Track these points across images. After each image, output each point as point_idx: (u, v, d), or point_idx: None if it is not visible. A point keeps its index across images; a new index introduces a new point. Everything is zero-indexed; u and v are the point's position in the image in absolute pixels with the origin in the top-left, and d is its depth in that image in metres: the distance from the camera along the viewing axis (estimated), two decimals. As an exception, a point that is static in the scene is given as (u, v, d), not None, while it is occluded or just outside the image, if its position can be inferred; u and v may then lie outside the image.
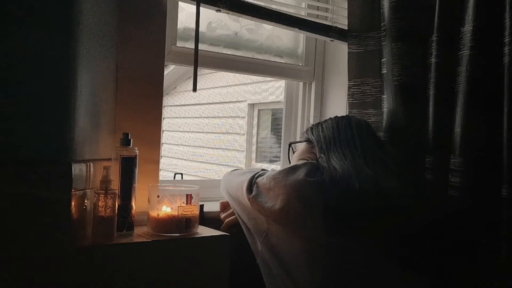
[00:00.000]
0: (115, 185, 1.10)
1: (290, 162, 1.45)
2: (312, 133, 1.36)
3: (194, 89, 1.37)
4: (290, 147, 1.50)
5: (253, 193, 1.21)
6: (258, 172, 1.27)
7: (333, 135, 1.30)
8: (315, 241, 1.15)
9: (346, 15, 1.64)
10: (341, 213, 1.13)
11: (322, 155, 1.27)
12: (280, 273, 1.21)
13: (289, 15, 1.63)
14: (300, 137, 1.47)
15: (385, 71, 1.52)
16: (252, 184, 1.23)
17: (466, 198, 1.27)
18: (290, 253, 1.18)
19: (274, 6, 1.63)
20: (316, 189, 1.14)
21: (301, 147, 1.41)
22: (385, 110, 1.52)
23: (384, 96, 1.53)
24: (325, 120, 1.40)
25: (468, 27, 1.29)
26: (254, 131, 4.30)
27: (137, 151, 1.15)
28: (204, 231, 1.23)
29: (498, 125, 1.23)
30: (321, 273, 1.15)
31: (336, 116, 1.40)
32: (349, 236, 1.14)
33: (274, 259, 1.22)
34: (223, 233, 1.24)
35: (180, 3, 1.52)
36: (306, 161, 1.30)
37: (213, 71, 4.30)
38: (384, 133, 1.51)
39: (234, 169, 1.49)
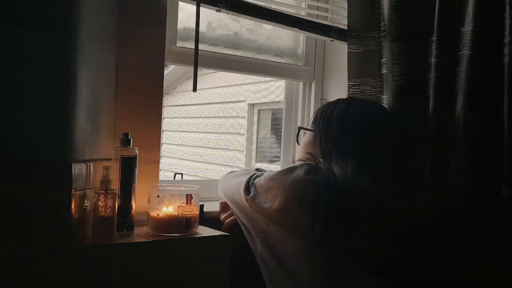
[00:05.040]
0: (115, 185, 1.10)
1: (298, 144, 1.43)
2: (318, 130, 1.31)
3: (194, 89, 1.37)
4: (300, 132, 1.46)
5: (251, 194, 1.21)
6: (255, 173, 1.27)
7: (337, 141, 1.25)
8: (313, 241, 1.15)
9: (346, 15, 1.64)
10: (336, 214, 1.13)
11: (322, 160, 1.24)
12: (280, 273, 1.21)
13: (289, 15, 1.63)
14: (310, 126, 1.41)
15: (385, 71, 1.52)
16: (249, 185, 1.23)
17: (465, 198, 1.27)
18: (289, 253, 1.18)
19: (274, 6, 1.63)
20: (313, 188, 1.14)
21: (307, 137, 1.38)
22: (385, 110, 1.52)
23: (384, 96, 1.53)
24: (332, 111, 1.32)
25: (468, 27, 1.29)
26: (254, 131, 4.30)
27: (137, 151, 1.15)
28: (204, 231, 1.23)
29: (498, 125, 1.23)
30: (319, 273, 1.15)
31: (345, 106, 1.32)
32: (343, 237, 1.14)
33: (273, 258, 1.22)
34: (223, 233, 1.24)
35: (180, 3, 1.52)
36: (303, 162, 1.30)
37: (213, 71, 4.29)
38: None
39: (231, 170, 1.49)
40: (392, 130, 1.34)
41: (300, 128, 1.47)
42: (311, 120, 1.41)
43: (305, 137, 1.40)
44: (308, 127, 1.41)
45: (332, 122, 1.29)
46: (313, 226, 1.11)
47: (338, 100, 1.37)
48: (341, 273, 1.15)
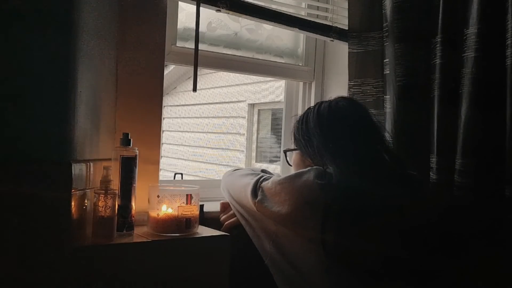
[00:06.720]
0: (115, 185, 1.10)
1: (289, 164, 1.43)
2: (304, 150, 1.28)
3: (194, 89, 1.37)
4: (286, 154, 1.46)
5: (259, 197, 1.20)
6: (262, 176, 1.26)
7: (326, 152, 1.21)
8: (322, 243, 1.14)
9: (347, 15, 1.64)
10: (347, 216, 1.13)
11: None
12: (292, 274, 1.20)
13: (289, 15, 1.63)
14: (293, 144, 1.37)
15: (388, 72, 1.52)
16: (257, 188, 1.22)
17: (469, 198, 1.27)
18: (300, 255, 1.17)
19: (274, 6, 1.63)
20: (324, 192, 1.13)
21: (295, 156, 1.35)
22: (387, 110, 1.51)
23: (387, 96, 1.52)
24: (306, 123, 1.28)
25: (472, 29, 1.29)
26: (254, 131, 4.30)
27: (137, 151, 1.15)
28: (204, 231, 1.23)
29: (502, 126, 1.23)
30: (329, 276, 1.14)
31: (316, 115, 1.27)
32: (353, 240, 1.13)
33: (285, 260, 1.20)
34: (223, 233, 1.24)
35: (180, 3, 1.52)
36: (310, 167, 1.27)
37: (213, 71, 4.30)
38: (387, 133, 1.50)
39: (234, 169, 1.48)
40: (371, 120, 1.30)
41: (285, 151, 1.43)
42: (292, 138, 1.36)
43: (294, 156, 1.36)
44: (292, 146, 1.36)
45: (313, 136, 1.25)
46: (323, 229, 1.11)
47: (308, 111, 1.32)
48: (351, 276, 1.14)
